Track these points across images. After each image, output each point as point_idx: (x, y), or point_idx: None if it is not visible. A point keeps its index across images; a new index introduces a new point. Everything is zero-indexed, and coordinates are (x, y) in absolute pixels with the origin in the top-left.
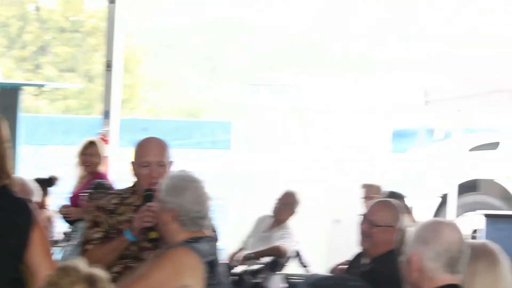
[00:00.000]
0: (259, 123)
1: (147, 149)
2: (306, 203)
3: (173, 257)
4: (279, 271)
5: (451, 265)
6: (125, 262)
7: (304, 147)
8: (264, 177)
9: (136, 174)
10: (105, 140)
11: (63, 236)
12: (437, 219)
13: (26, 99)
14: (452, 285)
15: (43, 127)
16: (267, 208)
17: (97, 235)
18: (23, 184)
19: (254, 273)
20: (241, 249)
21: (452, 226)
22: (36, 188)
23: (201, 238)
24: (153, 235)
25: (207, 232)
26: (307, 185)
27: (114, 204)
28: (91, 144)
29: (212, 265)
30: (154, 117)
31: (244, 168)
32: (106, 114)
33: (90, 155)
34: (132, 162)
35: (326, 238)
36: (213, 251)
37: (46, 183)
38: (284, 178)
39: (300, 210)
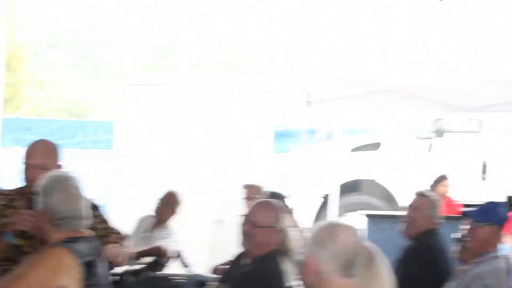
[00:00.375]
0: (140, 123)
1: (30, 152)
2: (188, 203)
3: (49, 257)
4: (161, 271)
5: (347, 268)
6: (5, 265)
7: (186, 147)
8: (146, 177)
9: (23, 175)
10: None
11: None
12: (334, 221)
13: None
14: None
15: None
16: (149, 208)
17: None
18: None
19: (135, 273)
20: None
21: (349, 229)
22: None
23: (79, 238)
24: (19, 242)
25: (85, 232)
26: (189, 185)
27: (1, 205)
28: None
29: (90, 265)
30: (38, 116)
31: (126, 168)
32: None
33: None
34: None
35: (208, 238)
36: (92, 252)
37: None
38: (166, 178)
39: (182, 210)
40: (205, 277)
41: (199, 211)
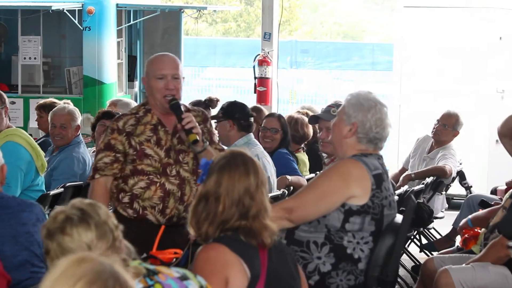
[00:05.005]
0: (417, 45)
1: (162, 63)
2: (468, 124)
3: (341, 168)
4: (442, 191)
5: None
6: (150, 178)
7: (465, 69)
8: (428, 99)
9: (151, 87)
10: (267, 62)
11: None
12: None
13: (186, 22)
14: None
15: (204, 49)
16: (429, 129)
17: (106, 160)
18: None
19: (417, 193)
20: (402, 170)
21: None
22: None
23: (371, 154)
24: (192, 137)
25: (377, 151)
26: (469, 106)
27: (131, 125)
28: None
29: (379, 179)
30: (313, 39)
31: (406, 89)
32: (266, 36)
33: None
34: (144, 78)
35: (487, 159)
36: (380, 167)
37: (206, 104)
38: (445, 99)
39: (462, 131)
40: (486, 197)
41: (479, 132)
